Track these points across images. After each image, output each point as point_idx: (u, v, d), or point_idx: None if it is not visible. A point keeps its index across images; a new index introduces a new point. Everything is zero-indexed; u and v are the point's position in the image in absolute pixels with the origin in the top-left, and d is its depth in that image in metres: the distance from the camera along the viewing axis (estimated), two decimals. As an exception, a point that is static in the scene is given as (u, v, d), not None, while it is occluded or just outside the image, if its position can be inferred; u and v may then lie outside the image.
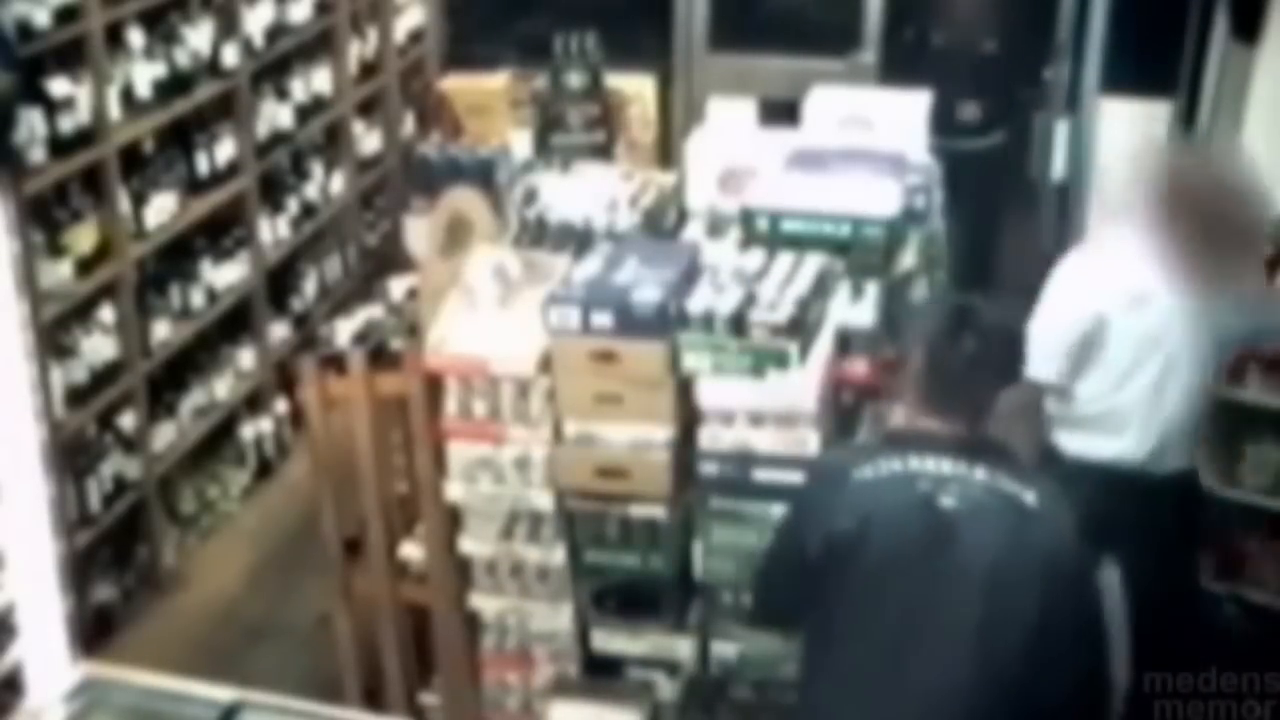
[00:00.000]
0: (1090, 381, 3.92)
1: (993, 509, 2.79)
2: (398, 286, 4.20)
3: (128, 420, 4.96)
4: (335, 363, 3.91)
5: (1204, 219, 3.60)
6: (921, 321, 3.02)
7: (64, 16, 4.54)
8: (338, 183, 6.30)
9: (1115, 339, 3.86)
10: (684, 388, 3.54)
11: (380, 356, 3.87)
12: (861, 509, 2.84)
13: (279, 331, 5.87)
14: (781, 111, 4.95)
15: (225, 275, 5.47)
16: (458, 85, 6.82)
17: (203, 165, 5.32)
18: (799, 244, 3.77)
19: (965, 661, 2.76)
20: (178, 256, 5.27)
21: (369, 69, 6.57)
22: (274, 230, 5.81)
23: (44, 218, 4.58)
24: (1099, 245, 4.03)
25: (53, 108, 4.52)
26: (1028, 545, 2.78)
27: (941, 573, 2.79)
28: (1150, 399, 3.89)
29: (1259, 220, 3.77)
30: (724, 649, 3.71)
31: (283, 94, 5.83)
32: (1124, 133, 6.10)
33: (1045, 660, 2.74)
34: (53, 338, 4.55)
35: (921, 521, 2.80)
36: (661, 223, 4.24)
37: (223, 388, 5.50)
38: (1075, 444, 3.96)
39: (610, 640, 3.77)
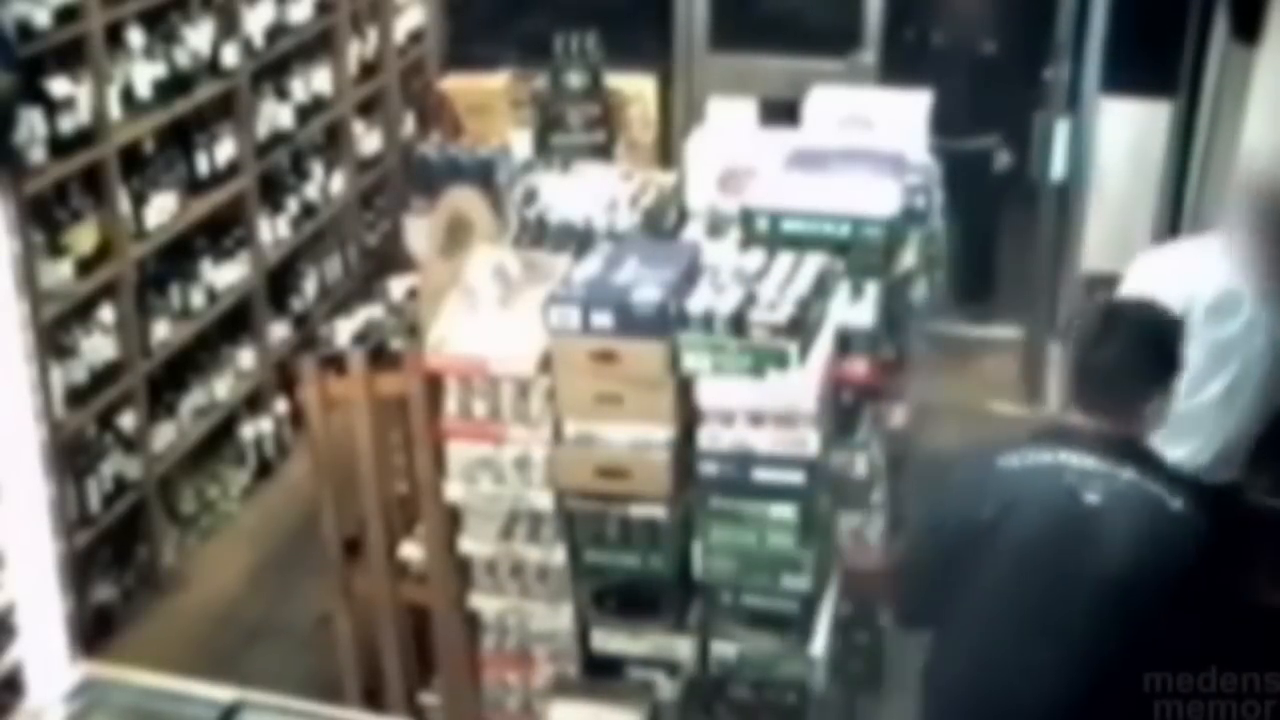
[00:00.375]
0: None
1: (1136, 510, 2.79)
2: (398, 286, 4.20)
3: (128, 420, 4.96)
4: (335, 363, 3.91)
5: None
6: (1077, 319, 3.02)
7: (64, 16, 4.54)
8: (338, 183, 6.31)
9: (1192, 344, 3.75)
10: (684, 388, 3.54)
11: (380, 356, 3.87)
12: (1005, 495, 2.87)
13: (279, 331, 5.87)
14: (781, 111, 4.95)
15: (225, 275, 5.48)
16: (458, 85, 6.82)
17: (203, 165, 5.32)
18: (799, 244, 3.77)
19: (1090, 656, 2.77)
20: (178, 256, 5.27)
21: (369, 69, 6.57)
22: (274, 230, 5.81)
23: (44, 218, 4.58)
24: (1189, 245, 3.93)
25: (53, 108, 4.53)
26: (1168, 550, 2.78)
27: (1079, 566, 2.80)
28: (1218, 409, 3.81)
29: None
30: (724, 649, 3.71)
31: (283, 94, 5.84)
32: (1124, 133, 6.10)
33: (1165, 662, 2.75)
34: (53, 338, 4.55)
35: (1064, 513, 2.81)
36: (661, 223, 4.25)
37: (223, 388, 5.50)
38: None
39: (610, 640, 3.77)
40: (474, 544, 3.77)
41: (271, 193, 5.81)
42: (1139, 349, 2.92)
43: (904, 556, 3.25)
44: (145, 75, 4.99)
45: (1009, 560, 2.86)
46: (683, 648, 3.73)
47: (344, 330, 3.99)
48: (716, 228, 4.22)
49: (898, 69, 6.46)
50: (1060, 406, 2.98)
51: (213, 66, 5.34)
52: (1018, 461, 2.91)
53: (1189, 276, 3.79)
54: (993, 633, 2.89)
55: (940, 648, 3.07)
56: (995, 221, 6.83)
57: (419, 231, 5.13)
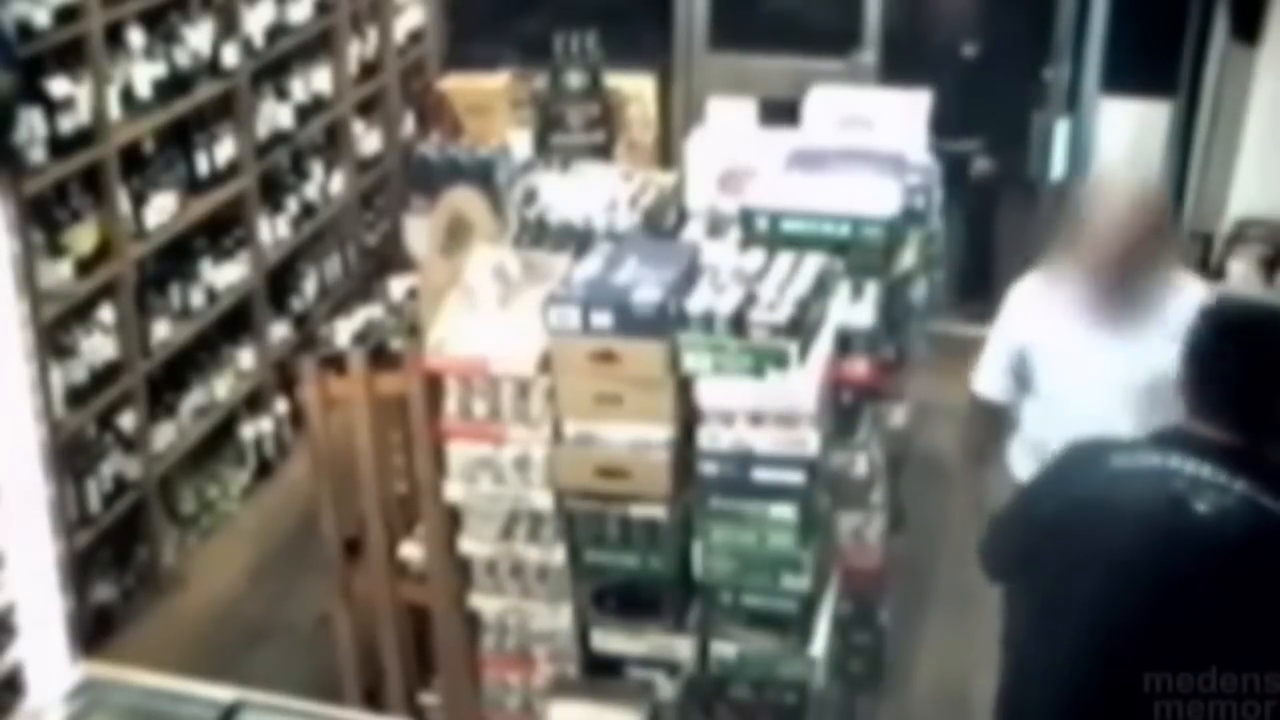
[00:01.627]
0: (1030, 406, 3.80)
1: (1245, 523, 2.69)
2: (398, 286, 4.20)
3: (128, 420, 4.96)
4: (335, 363, 3.91)
5: (1115, 257, 3.46)
6: (1196, 326, 2.87)
7: (64, 16, 4.54)
8: (338, 183, 6.30)
9: (1043, 369, 3.73)
10: (684, 388, 3.53)
11: (380, 356, 3.87)
12: (1111, 494, 2.79)
13: (279, 331, 5.87)
14: (781, 111, 4.95)
15: (225, 275, 5.48)
16: (458, 85, 6.83)
17: (203, 165, 5.32)
18: (799, 244, 3.77)
19: (1184, 664, 2.68)
20: (178, 256, 5.27)
21: (369, 69, 6.57)
22: (274, 230, 5.81)
23: (44, 218, 4.58)
24: (1043, 272, 3.92)
25: (53, 108, 4.52)
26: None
27: (1180, 576, 2.71)
28: (1074, 432, 3.78)
29: (1161, 257, 3.57)
30: (723, 649, 3.71)
31: (283, 94, 5.83)
32: (1124, 133, 6.11)
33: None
34: (53, 338, 4.55)
35: (1169, 521, 2.71)
36: (661, 223, 4.25)
37: (223, 388, 5.50)
38: (1018, 466, 3.79)
39: (610, 640, 3.77)
40: (474, 544, 3.77)
41: (271, 193, 5.81)
42: (1271, 356, 2.79)
43: (995, 516, 3.13)
44: (145, 75, 4.99)
45: (1112, 563, 2.76)
46: (683, 648, 3.73)
47: (344, 330, 3.99)
48: (716, 228, 4.22)
49: (898, 69, 6.46)
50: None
51: (213, 66, 5.34)
52: (1129, 461, 2.82)
53: (1037, 302, 3.73)
54: (1090, 628, 2.80)
55: (1026, 633, 2.99)
56: (994, 221, 6.83)
57: (419, 231, 5.13)
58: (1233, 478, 2.73)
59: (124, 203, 4.89)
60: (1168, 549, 2.73)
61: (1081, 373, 3.64)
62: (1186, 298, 3.39)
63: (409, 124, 6.93)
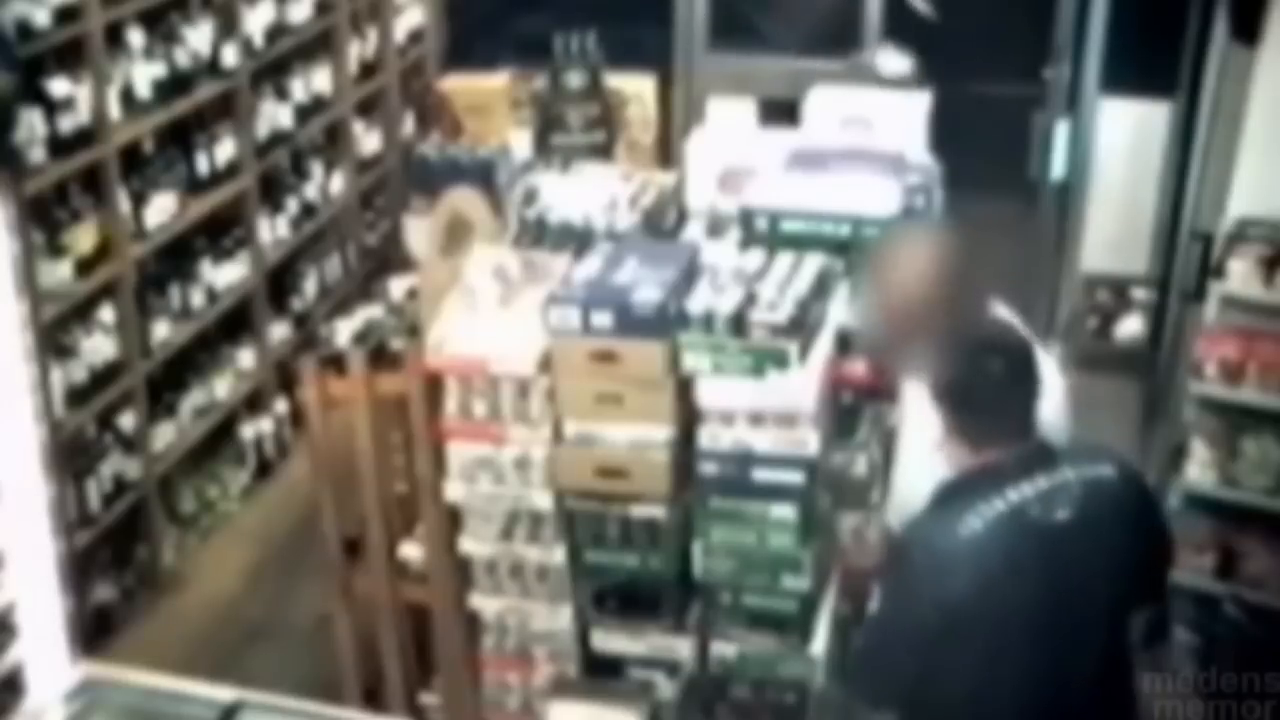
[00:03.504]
0: None
1: (1096, 501, 2.81)
2: (398, 286, 4.21)
3: (128, 420, 4.96)
4: (335, 363, 3.91)
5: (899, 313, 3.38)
6: (942, 360, 2.94)
7: (64, 16, 4.55)
8: (338, 183, 6.31)
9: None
10: (684, 388, 3.53)
11: (380, 356, 3.87)
12: (985, 566, 2.78)
13: (279, 331, 5.88)
14: (781, 111, 4.95)
15: (225, 275, 5.48)
16: (458, 85, 6.83)
17: (203, 165, 5.32)
18: (799, 244, 3.77)
19: (1111, 644, 2.83)
20: (178, 256, 5.27)
21: (369, 69, 6.57)
22: (274, 230, 5.81)
23: (44, 218, 4.58)
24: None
25: (53, 108, 4.53)
26: (1131, 515, 2.86)
27: (1081, 582, 2.79)
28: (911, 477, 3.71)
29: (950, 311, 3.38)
30: (723, 649, 3.70)
31: (283, 94, 5.84)
32: (1124, 133, 6.10)
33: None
34: (53, 338, 4.55)
35: (1049, 546, 2.77)
36: (661, 223, 4.24)
37: (223, 388, 5.51)
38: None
39: (610, 640, 3.77)
40: (474, 544, 3.77)
41: (271, 193, 5.81)
42: (1017, 362, 2.90)
43: (870, 642, 3.08)
44: (145, 75, 4.99)
45: (1024, 616, 2.79)
46: (683, 648, 3.73)
47: (344, 330, 3.99)
48: (716, 228, 4.22)
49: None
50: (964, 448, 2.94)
51: (213, 66, 5.34)
52: (979, 523, 2.80)
53: None
54: (1030, 689, 2.83)
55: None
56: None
57: (419, 231, 5.14)
58: (1056, 472, 2.81)
59: (124, 203, 4.89)
60: (1066, 568, 2.78)
61: (904, 424, 3.67)
62: None
63: (409, 124, 6.94)
